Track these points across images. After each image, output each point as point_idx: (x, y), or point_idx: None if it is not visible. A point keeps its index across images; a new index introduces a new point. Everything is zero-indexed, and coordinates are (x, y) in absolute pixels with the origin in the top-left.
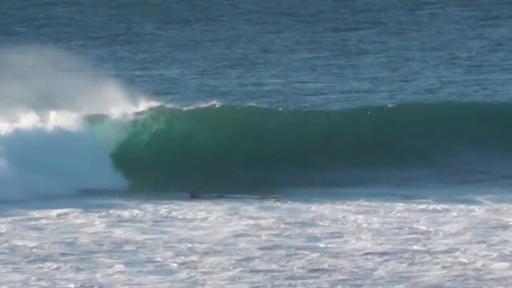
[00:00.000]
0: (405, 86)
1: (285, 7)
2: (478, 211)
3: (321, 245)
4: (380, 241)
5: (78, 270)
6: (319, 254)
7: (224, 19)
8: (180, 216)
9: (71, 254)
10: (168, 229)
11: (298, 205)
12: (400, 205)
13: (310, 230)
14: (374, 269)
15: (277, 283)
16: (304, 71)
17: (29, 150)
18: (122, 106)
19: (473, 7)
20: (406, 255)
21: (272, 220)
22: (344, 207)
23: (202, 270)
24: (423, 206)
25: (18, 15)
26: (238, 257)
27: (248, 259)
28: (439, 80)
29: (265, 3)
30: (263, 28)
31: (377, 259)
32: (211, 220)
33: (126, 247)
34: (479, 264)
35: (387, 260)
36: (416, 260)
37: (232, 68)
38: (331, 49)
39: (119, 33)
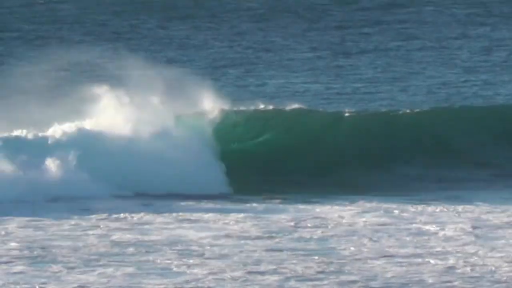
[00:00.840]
0: (407, 87)
1: (288, 5)
2: (486, 211)
3: (330, 246)
4: (389, 243)
5: (84, 272)
6: (328, 255)
7: (223, 16)
8: (187, 218)
9: (78, 257)
10: (175, 231)
11: (306, 207)
12: (409, 207)
13: (319, 232)
14: (384, 271)
15: (286, 285)
16: (304, 71)
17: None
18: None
19: (476, 5)
20: (416, 257)
21: (281, 222)
22: (352, 208)
23: (211, 272)
24: (431, 208)
25: (22, 13)
26: (246, 259)
27: (257, 261)
28: (443, 80)
29: (269, 2)
30: (266, 26)
31: (387, 260)
32: (218, 222)
33: (132, 249)
34: (490, 266)
35: (397, 262)
36: (426, 262)
37: (233, 68)
38: (332, 48)
39: (121, 30)
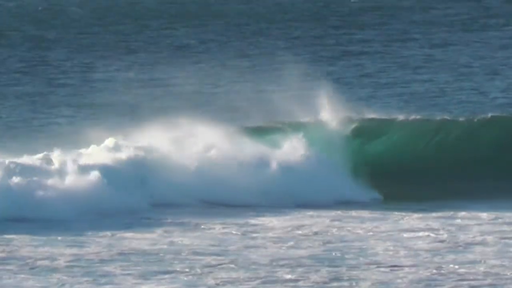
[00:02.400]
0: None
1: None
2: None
3: (341, 255)
4: (403, 252)
5: (89, 281)
6: (339, 264)
7: (228, 19)
8: (194, 226)
9: (80, 266)
10: (178, 239)
11: (317, 214)
12: (419, 215)
13: (329, 240)
14: (396, 279)
15: None
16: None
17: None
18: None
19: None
20: (429, 265)
21: (290, 230)
22: (360, 215)
23: (222, 281)
24: (439, 214)
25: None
26: (256, 268)
27: (268, 270)
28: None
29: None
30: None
31: (399, 269)
32: (228, 231)
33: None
34: (506, 274)
35: (410, 271)
36: (439, 271)
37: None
38: (329, 51)
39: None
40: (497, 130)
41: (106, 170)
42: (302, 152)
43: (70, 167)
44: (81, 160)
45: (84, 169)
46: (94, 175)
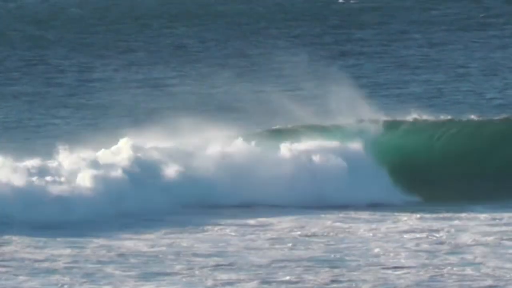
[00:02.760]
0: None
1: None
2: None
3: (341, 256)
4: (403, 253)
5: (88, 282)
6: (339, 265)
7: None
8: (193, 228)
9: (79, 267)
10: (177, 240)
11: (317, 215)
12: (418, 216)
13: (329, 241)
14: (396, 280)
15: None
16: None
17: None
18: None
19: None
20: (430, 266)
21: (290, 231)
22: (360, 216)
23: (221, 282)
24: (439, 215)
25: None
26: (256, 270)
27: (267, 271)
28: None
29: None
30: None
31: (400, 270)
32: (229, 233)
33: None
34: (508, 277)
35: (410, 272)
36: (440, 272)
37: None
38: (327, 52)
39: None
40: (498, 130)
41: (125, 172)
42: (323, 155)
43: (85, 169)
44: (96, 162)
45: (100, 171)
46: (112, 176)
